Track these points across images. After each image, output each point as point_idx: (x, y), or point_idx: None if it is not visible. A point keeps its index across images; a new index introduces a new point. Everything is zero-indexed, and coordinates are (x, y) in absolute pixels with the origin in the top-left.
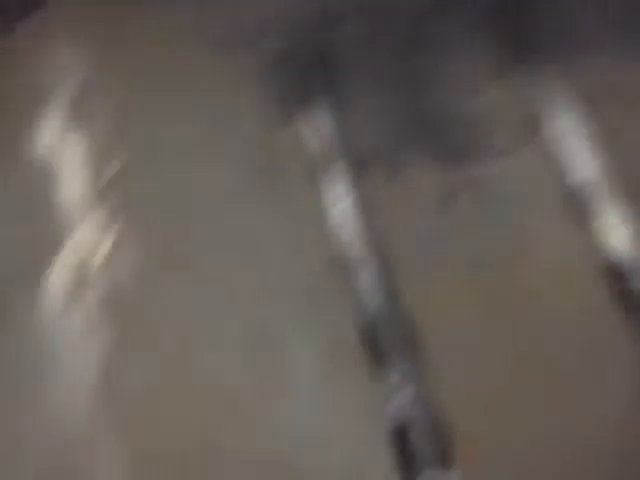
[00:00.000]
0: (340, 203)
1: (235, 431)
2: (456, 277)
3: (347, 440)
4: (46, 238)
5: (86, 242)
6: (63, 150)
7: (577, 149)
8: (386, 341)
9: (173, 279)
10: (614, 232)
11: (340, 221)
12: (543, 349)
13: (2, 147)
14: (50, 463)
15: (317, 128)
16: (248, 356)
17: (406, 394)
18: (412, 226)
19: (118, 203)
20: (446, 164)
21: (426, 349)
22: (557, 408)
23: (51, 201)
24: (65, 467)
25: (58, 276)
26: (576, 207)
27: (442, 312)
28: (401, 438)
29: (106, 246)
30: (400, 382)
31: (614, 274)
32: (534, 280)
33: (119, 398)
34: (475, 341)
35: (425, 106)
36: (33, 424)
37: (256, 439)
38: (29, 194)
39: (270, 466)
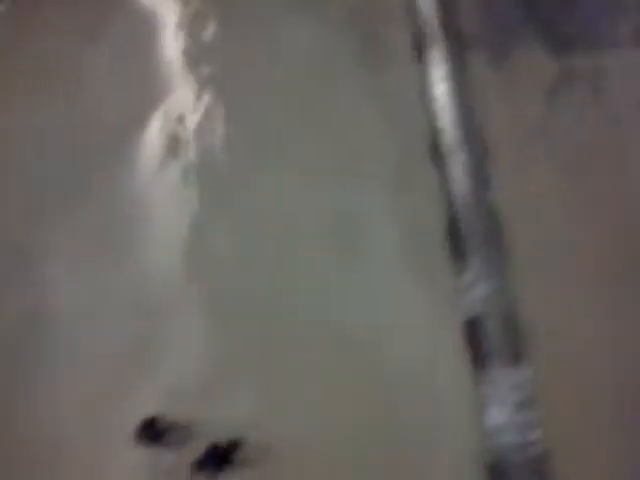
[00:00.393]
0: (441, 83)
1: (311, 304)
2: (551, 173)
3: (420, 327)
4: (143, 99)
5: (180, 106)
6: (161, 12)
7: None
8: (470, 231)
9: (260, 148)
10: None
11: (439, 102)
12: (628, 253)
13: (100, 11)
14: (140, 310)
15: (422, 3)
16: (329, 231)
17: (484, 287)
18: (513, 115)
19: (211, 69)
20: (558, 52)
21: (509, 245)
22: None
23: (149, 63)
24: (153, 313)
25: (153, 137)
26: None
27: (531, 209)
28: (474, 330)
29: (199, 111)
30: (479, 275)
31: None
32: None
33: (205, 259)
34: (562, 241)
35: None
36: (124, 275)
37: (330, 312)
38: (128, 55)
39: (340, 340)
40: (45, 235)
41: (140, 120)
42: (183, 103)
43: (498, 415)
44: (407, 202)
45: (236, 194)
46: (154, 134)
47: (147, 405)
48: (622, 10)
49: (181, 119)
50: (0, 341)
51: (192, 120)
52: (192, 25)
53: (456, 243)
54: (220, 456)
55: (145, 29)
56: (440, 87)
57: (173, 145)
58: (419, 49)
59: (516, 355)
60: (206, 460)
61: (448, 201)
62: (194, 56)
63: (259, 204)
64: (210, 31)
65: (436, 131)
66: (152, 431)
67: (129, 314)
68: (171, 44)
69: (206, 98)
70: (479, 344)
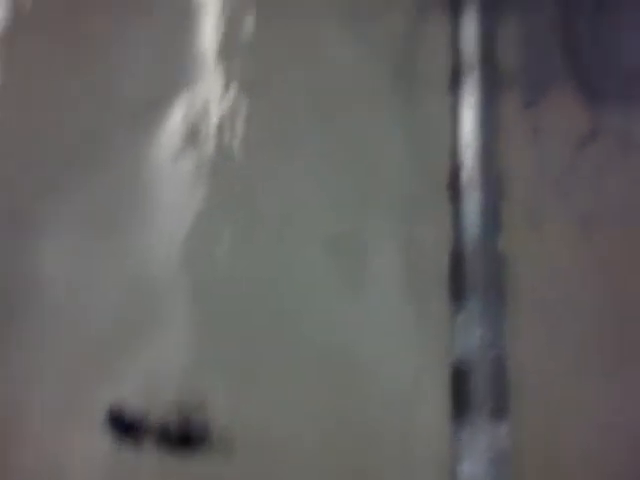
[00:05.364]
0: (469, 118)
1: (300, 317)
2: (566, 228)
3: (409, 363)
4: (170, 81)
5: (206, 97)
6: (199, 5)
7: None
8: (472, 273)
9: (275, 156)
10: None
11: (464, 137)
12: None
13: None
14: (131, 293)
15: (463, 34)
16: (333, 251)
17: (476, 333)
18: (536, 161)
19: (242, 65)
20: (592, 102)
21: (510, 294)
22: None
23: (184, 46)
24: (143, 299)
25: (175, 123)
26: None
27: (539, 262)
28: (460, 377)
29: (223, 106)
30: (473, 319)
31: None
32: None
33: (203, 256)
34: (566, 301)
35: (583, 36)
36: (121, 256)
37: (319, 330)
38: (167, 32)
39: (324, 357)
40: (49, 206)
41: (164, 103)
42: (210, 94)
43: (472, 467)
44: (416, 234)
45: (243, 197)
46: (176, 120)
47: (122, 390)
48: None
49: (205, 110)
50: None
51: (216, 113)
52: (233, 16)
53: (457, 283)
54: (178, 436)
55: (186, 11)
56: (468, 122)
57: (192, 135)
58: (454, 80)
59: (499, 410)
60: (162, 439)
61: (457, 239)
62: (229, 48)
63: (266, 211)
64: (250, 25)
65: (457, 166)
66: (120, 421)
67: (120, 296)
68: (209, 32)
69: (232, 93)
70: (463, 392)
